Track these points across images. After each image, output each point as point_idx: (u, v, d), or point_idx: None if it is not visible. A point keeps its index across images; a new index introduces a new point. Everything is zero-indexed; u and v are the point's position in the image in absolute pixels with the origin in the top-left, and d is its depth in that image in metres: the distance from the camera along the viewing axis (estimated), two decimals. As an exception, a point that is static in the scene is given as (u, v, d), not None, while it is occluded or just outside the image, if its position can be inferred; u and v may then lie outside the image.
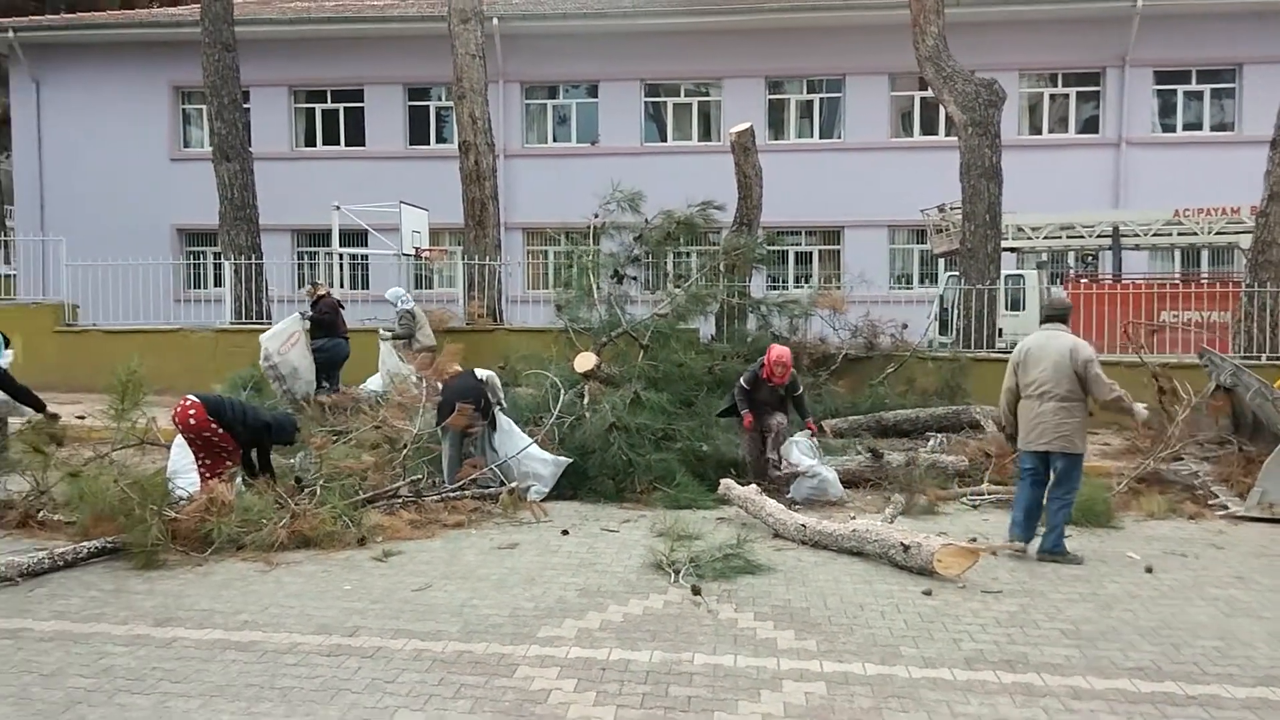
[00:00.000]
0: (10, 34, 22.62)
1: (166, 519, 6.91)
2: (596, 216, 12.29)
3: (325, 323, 11.92)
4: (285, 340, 11.04)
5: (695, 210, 12.09)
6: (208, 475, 7.76)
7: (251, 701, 4.53)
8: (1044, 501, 7.06)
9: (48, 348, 13.88)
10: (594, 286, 11.54)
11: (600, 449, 9.19)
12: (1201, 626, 5.68)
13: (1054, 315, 7.22)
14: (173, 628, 5.52)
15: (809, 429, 9.21)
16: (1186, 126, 21.30)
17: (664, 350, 10.77)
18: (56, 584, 6.33)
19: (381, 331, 12.85)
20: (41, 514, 7.63)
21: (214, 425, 7.76)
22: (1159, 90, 21.26)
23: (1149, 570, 6.75)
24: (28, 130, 23.29)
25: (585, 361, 10.25)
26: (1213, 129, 21.15)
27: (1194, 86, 21.18)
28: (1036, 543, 7.07)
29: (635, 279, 12.30)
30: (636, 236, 12.05)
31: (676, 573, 6.54)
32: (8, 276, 22.74)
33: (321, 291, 12.40)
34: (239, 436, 7.87)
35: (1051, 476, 7.02)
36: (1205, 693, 4.74)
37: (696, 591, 6.17)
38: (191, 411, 7.74)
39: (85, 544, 6.80)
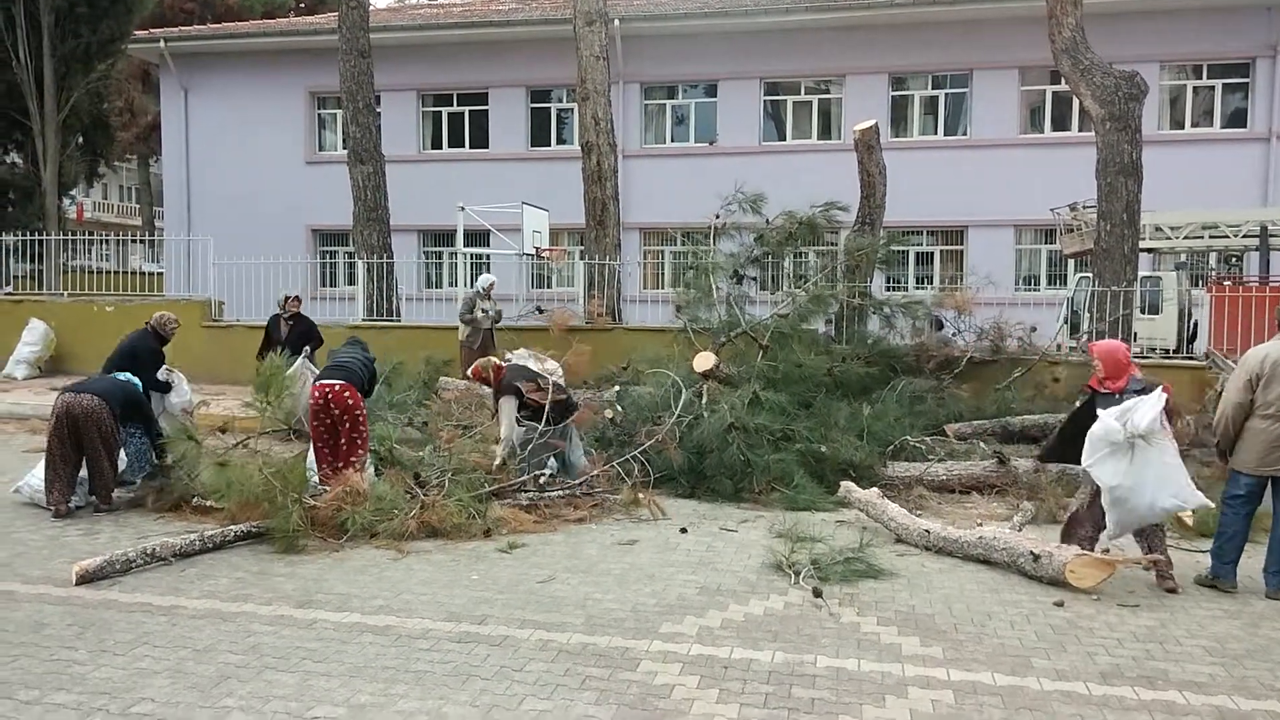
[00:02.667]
0: (161, 44, 23.99)
1: (306, 506, 7.23)
2: (718, 217, 12.30)
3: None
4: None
5: (818, 211, 11.98)
6: (337, 462, 8.08)
7: (388, 683, 4.72)
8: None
9: (196, 341, 14.64)
10: (714, 287, 11.56)
11: (718, 449, 9.20)
12: (1360, 649, 5.37)
13: None
14: (313, 609, 5.79)
15: None
16: (1344, 119, 20.03)
17: (783, 351, 10.71)
18: (205, 565, 6.71)
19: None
20: (195, 500, 8.07)
21: (363, 402, 8.23)
22: (1314, 81, 20.05)
23: (1301, 588, 6.40)
24: (176, 136, 24.64)
25: (704, 361, 10.28)
26: (1373, 121, 19.84)
27: (1353, 76, 19.91)
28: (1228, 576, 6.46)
29: (755, 279, 12.26)
30: (757, 237, 12.01)
31: (797, 574, 6.51)
32: (158, 273, 24.12)
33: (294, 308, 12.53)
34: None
35: (1276, 502, 6.34)
36: None
37: (818, 594, 6.13)
38: (346, 394, 8.10)
39: (232, 528, 7.19)
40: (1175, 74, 20.79)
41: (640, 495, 8.53)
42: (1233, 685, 4.85)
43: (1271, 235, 16.49)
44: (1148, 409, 6.04)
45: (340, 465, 7.98)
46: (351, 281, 18.15)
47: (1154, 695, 4.72)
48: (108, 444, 8.05)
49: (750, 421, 9.30)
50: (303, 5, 39.33)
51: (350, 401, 8.09)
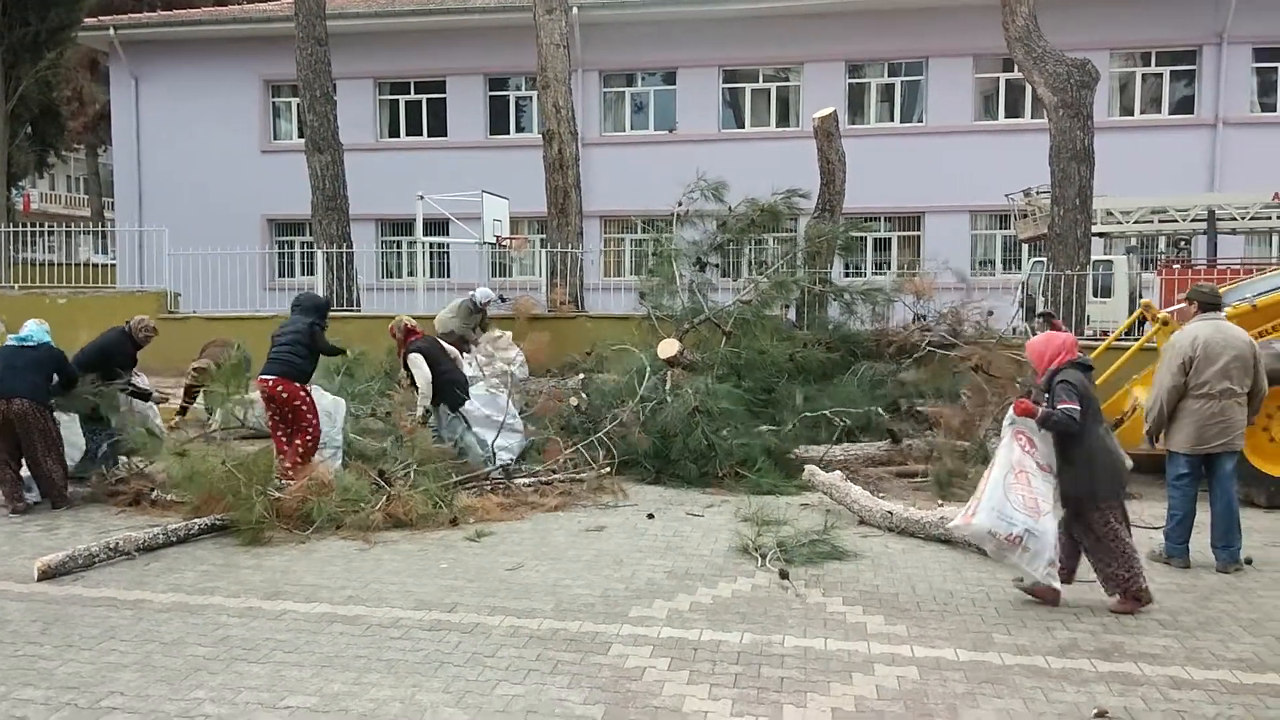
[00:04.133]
0: (111, 32, 23.53)
1: (271, 498, 7.20)
2: (680, 204, 12.35)
3: None
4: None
5: (780, 198, 12.07)
6: (287, 447, 8.12)
7: (361, 672, 4.74)
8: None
9: (152, 334, 14.40)
10: (676, 274, 11.61)
11: (682, 433, 9.28)
12: (1305, 619, 5.57)
13: (1214, 303, 6.68)
14: (282, 601, 5.78)
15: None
16: (1288, 106, 20.53)
17: (746, 337, 10.80)
18: (170, 559, 6.66)
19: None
20: (155, 493, 8.00)
21: (303, 392, 8.18)
22: (1258, 68, 20.49)
23: (1249, 562, 6.60)
24: (127, 125, 24.20)
25: (668, 348, 10.35)
26: (1316, 108, 20.35)
27: (1295, 64, 20.39)
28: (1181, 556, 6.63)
29: (717, 266, 12.33)
30: (720, 224, 12.08)
31: (763, 557, 6.61)
32: (109, 265, 23.68)
33: None
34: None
35: (1212, 479, 6.53)
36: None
37: (784, 576, 6.22)
38: (280, 388, 8.10)
39: (195, 521, 7.14)
40: (1125, 61, 21.16)
41: (604, 479, 8.59)
42: (1185, 656, 5.01)
43: (1218, 219, 16.88)
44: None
45: (286, 458, 7.98)
46: (309, 272, 17.97)
47: (1111, 667, 4.86)
48: (48, 442, 7.93)
49: (715, 406, 9.38)
50: (254, -9, 38.67)
51: (285, 395, 8.10)
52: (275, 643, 5.11)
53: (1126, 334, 11.13)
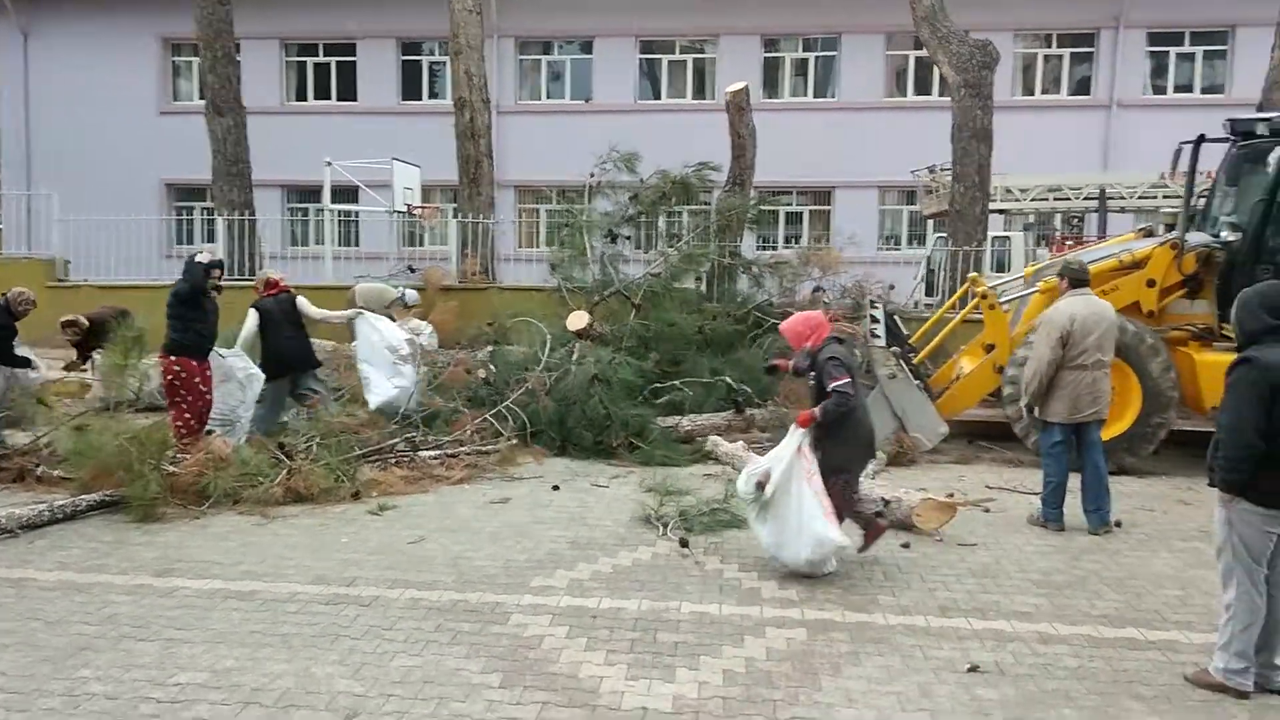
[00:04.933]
0: (-3, -16, 22.40)
1: (165, 473, 7.06)
2: (592, 176, 12.34)
3: None
4: None
5: (691, 170, 12.13)
6: (194, 423, 8.02)
7: (254, 648, 4.72)
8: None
9: (40, 303, 13.88)
10: (588, 246, 11.63)
11: (581, 400, 9.33)
12: (1165, 577, 5.91)
13: (1084, 280, 7.02)
14: (174, 578, 5.70)
15: None
16: (1178, 89, 21.33)
17: (656, 310, 10.89)
18: (56, 536, 6.49)
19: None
20: (41, 469, 7.77)
21: (201, 367, 8.15)
22: (1152, 52, 21.26)
23: (1118, 524, 6.96)
24: (15, 83, 23.11)
25: (578, 320, 10.39)
26: (1204, 91, 21.18)
27: (1187, 48, 21.18)
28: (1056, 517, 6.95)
29: (629, 239, 12.37)
30: (632, 196, 12.11)
31: (665, 526, 6.73)
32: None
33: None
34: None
35: (1083, 447, 6.87)
36: (1164, 638, 4.96)
37: (684, 544, 6.36)
38: (176, 367, 8.00)
39: (84, 497, 6.96)
40: (1028, 42, 21.72)
41: (512, 451, 8.63)
42: (1053, 613, 5.29)
43: (1109, 198, 17.52)
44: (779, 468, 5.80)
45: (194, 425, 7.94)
46: (211, 239, 17.47)
47: (985, 625, 5.11)
48: None
49: (614, 375, 9.46)
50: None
51: (160, 369, 8.07)
52: (166, 620, 5.05)
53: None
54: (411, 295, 13.05)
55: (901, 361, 9.10)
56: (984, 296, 9.47)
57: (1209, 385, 8.57)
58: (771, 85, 22.36)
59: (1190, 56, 21.22)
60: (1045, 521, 6.92)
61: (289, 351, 9.06)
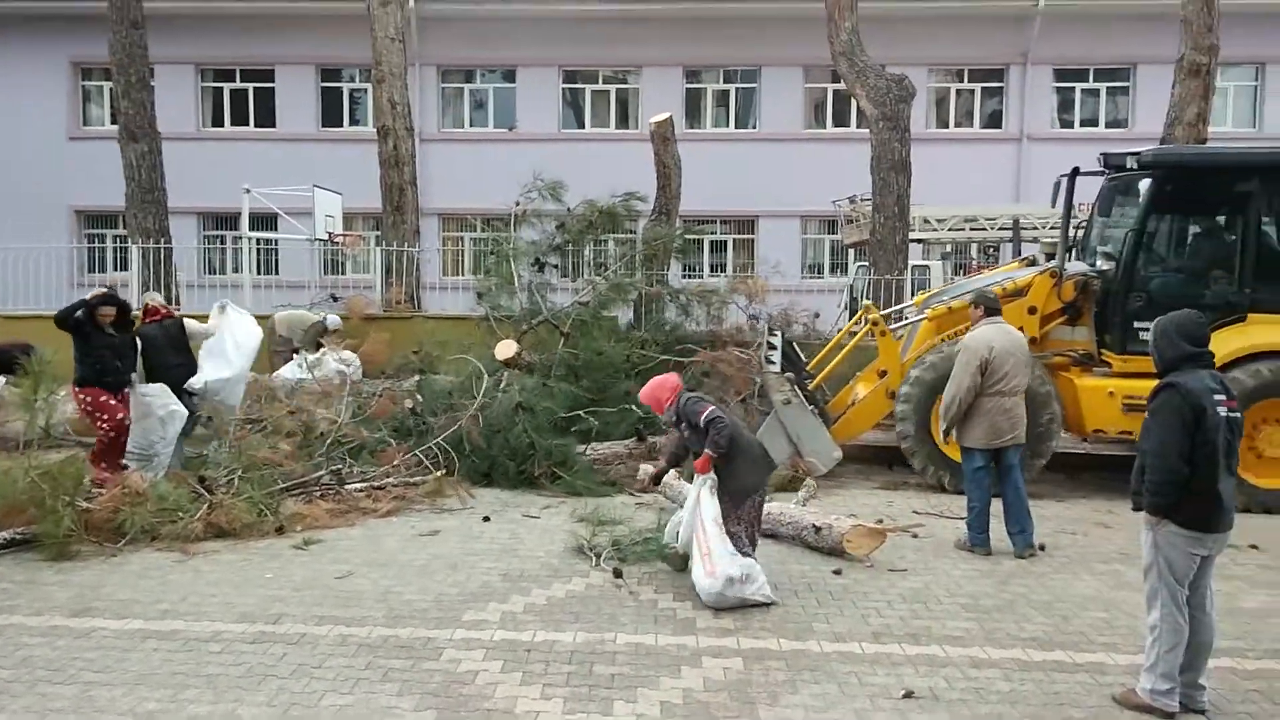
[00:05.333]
0: (-105, 3, 21.53)
1: (79, 509, 6.79)
2: (518, 204, 12.31)
3: None
4: None
5: (619, 200, 12.18)
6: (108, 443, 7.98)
7: (177, 689, 4.56)
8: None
9: (-59, 333, 13.32)
10: (515, 274, 11.58)
11: (505, 429, 9.24)
12: (1089, 600, 6.08)
13: (996, 309, 7.26)
14: (90, 618, 5.48)
15: None
16: (1084, 123, 22.19)
17: (584, 339, 10.88)
18: (-37, 577, 6.20)
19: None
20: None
21: (106, 397, 8.04)
22: (1058, 87, 22.09)
23: (1042, 548, 7.14)
24: (-86, 105, 22.20)
25: (506, 349, 10.32)
26: (1108, 125, 22.06)
27: (1091, 84, 22.07)
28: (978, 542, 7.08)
29: (556, 267, 12.34)
30: (559, 225, 12.10)
31: (598, 556, 6.70)
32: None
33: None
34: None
35: (1001, 471, 7.03)
36: (1091, 660, 5.10)
37: (618, 574, 6.34)
38: (83, 396, 7.99)
39: (-8, 536, 6.66)
40: (941, 77, 22.40)
41: (441, 482, 8.51)
42: (984, 637, 5.40)
43: (1022, 228, 18.09)
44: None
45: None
46: (123, 267, 16.95)
47: (918, 650, 5.19)
48: None
49: (539, 404, 9.40)
50: (62, -34, 36.15)
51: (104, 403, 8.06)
52: (83, 662, 4.85)
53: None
54: (333, 320, 12.85)
55: (796, 387, 9.26)
56: (874, 324, 9.73)
57: (1089, 409, 8.94)
58: (694, 116, 22.64)
59: (1095, 92, 22.12)
60: (972, 546, 7.06)
61: (175, 379, 8.94)
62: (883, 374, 9.69)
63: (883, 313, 10.51)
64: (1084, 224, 10.54)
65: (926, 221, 18.16)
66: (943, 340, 9.46)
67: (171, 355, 8.98)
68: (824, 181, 19.79)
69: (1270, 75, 21.17)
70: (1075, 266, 9.68)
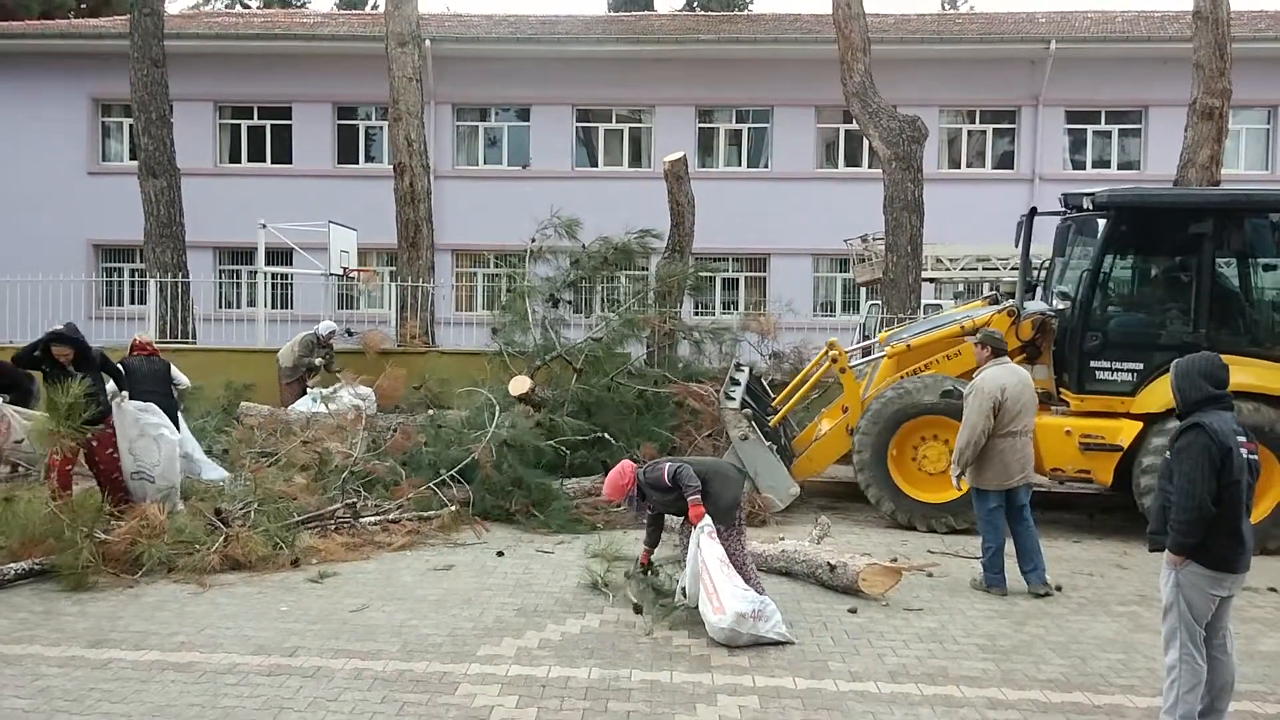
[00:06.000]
0: (-79, 40, 21.93)
1: (97, 541, 6.82)
2: (533, 240, 12.42)
3: None
4: None
5: (634, 237, 12.27)
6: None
7: (194, 721, 4.56)
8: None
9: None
10: (529, 310, 11.65)
11: (495, 465, 9.17)
12: (1108, 641, 6.03)
13: (1004, 349, 7.26)
14: (108, 649, 5.49)
15: None
16: (1095, 164, 22.27)
17: (596, 374, 10.91)
18: (-19, 607, 6.23)
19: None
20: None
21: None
22: (1070, 129, 22.20)
23: (1059, 588, 7.10)
24: (-63, 139, 22.53)
25: (520, 385, 10.35)
26: (1120, 167, 22.15)
27: (1103, 126, 22.18)
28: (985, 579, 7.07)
29: (570, 303, 12.41)
30: (574, 261, 12.18)
31: (613, 593, 6.67)
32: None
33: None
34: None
35: (1013, 510, 7.00)
36: (1110, 702, 5.06)
37: (638, 610, 6.33)
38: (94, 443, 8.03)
39: (11, 565, 6.69)
40: (953, 118, 22.56)
41: (463, 518, 8.52)
42: (1002, 678, 5.36)
43: (1033, 268, 18.10)
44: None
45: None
46: (140, 301, 17.12)
47: (935, 690, 5.16)
48: None
49: (527, 441, 9.38)
50: (84, 6, 36.78)
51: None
52: (101, 693, 4.86)
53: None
54: (325, 325, 12.99)
55: (753, 423, 9.28)
56: (834, 360, 9.82)
57: (1047, 447, 8.87)
58: (706, 154, 22.83)
59: (1107, 134, 22.23)
60: (989, 586, 7.02)
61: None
62: (845, 410, 9.78)
63: (850, 349, 10.60)
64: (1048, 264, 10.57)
65: (939, 261, 18.20)
66: (901, 377, 9.50)
67: (149, 385, 9.19)
68: (836, 220, 19.90)
69: (1282, 118, 21.29)
70: (1034, 305, 9.75)
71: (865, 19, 14.19)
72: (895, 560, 7.42)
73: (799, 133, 22.33)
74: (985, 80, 21.62)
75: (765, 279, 22.38)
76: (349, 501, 8.46)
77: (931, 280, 18.31)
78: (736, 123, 22.89)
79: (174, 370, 9.92)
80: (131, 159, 18.51)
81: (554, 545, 8.23)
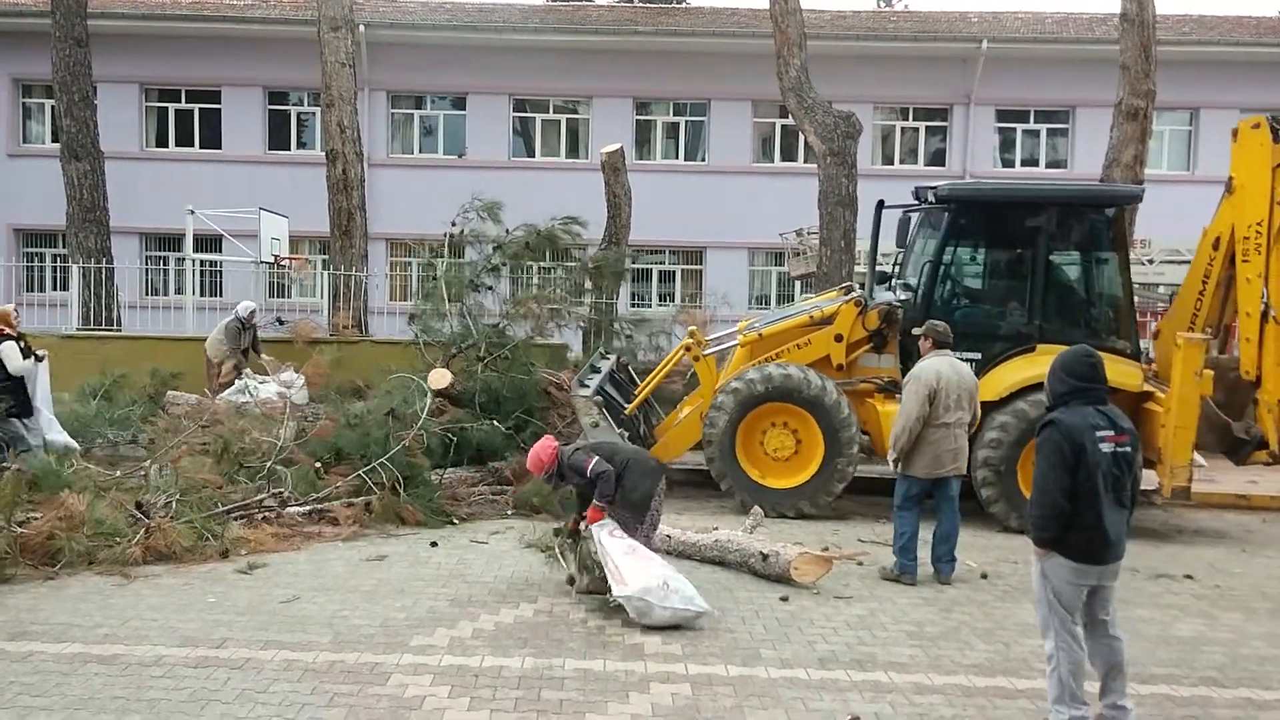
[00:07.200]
0: None
1: (13, 533, 6.63)
2: (454, 225, 12.27)
3: None
4: None
5: (558, 223, 12.17)
6: None
7: (118, 714, 4.47)
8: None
9: None
10: (446, 297, 11.46)
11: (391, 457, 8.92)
12: (1030, 627, 6.13)
13: (946, 342, 7.29)
14: (27, 642, 5.35)
15: None
16: (1024, 162, 22.76)
17: (511, 364, 10.79)
18: (-109, 601, 6.02)
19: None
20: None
21: None
22: (1000, 128, 22.67)
23: (984, 576, 7.29)
24: None
25: (441, 379, 10.16)
26: (1049, 165, 22.68)
27: (1032, 125, 22.67)
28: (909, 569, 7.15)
29: (492, 289, 12.19)
30: (496, 246, 12.04)
31: (563, 555, 6.71)
32: None
33: None
34: None
35: (941, 499, 7.13)
36: (1032, 687, 5.20)
37: (571, 581, 6.43)
38: None
39: (-77, 559, 6.47)
40: (886, 115, 22.87)
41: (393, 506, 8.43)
42: (929, 664, 5.49)
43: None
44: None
45: None
46: (62, 287, 16.62)
47: (864, 676, 5.27)
48: None
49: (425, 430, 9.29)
50: (3, -20, 35.49)
51: None
52: (21, 686, 4.73)
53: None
54: (244, 305, 12.77)
55: (604, 410, 9.38)
56: (688, 349, 9.99)
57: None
58: (644, 147, 22.83)
59: (1035, 133, 22.73)
60: (900, 574, 7.11)
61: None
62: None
63: (714, 336, 10.75)
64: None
65: (884, 256, 18.44)
66: (752, 365, 9.65)
67: None
68: (772, 214, 20.06)
69: (1204, 121, 21.92)
70: (882, 295, 9.98)
71: (801, 14, 14.35)
72: (826, 549, 7.55)
73: (736, 126, 22.44)
74: (919, 78, 21.95)
75: (701, 271, 22.49)
76: (275, 491, 8.32)
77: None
78: (674, 115, 22.93)
79: (9, 351, 8.95)
80: (54, 141, 17.92)
81: (488, 536, 8.20)
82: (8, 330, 8.94)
